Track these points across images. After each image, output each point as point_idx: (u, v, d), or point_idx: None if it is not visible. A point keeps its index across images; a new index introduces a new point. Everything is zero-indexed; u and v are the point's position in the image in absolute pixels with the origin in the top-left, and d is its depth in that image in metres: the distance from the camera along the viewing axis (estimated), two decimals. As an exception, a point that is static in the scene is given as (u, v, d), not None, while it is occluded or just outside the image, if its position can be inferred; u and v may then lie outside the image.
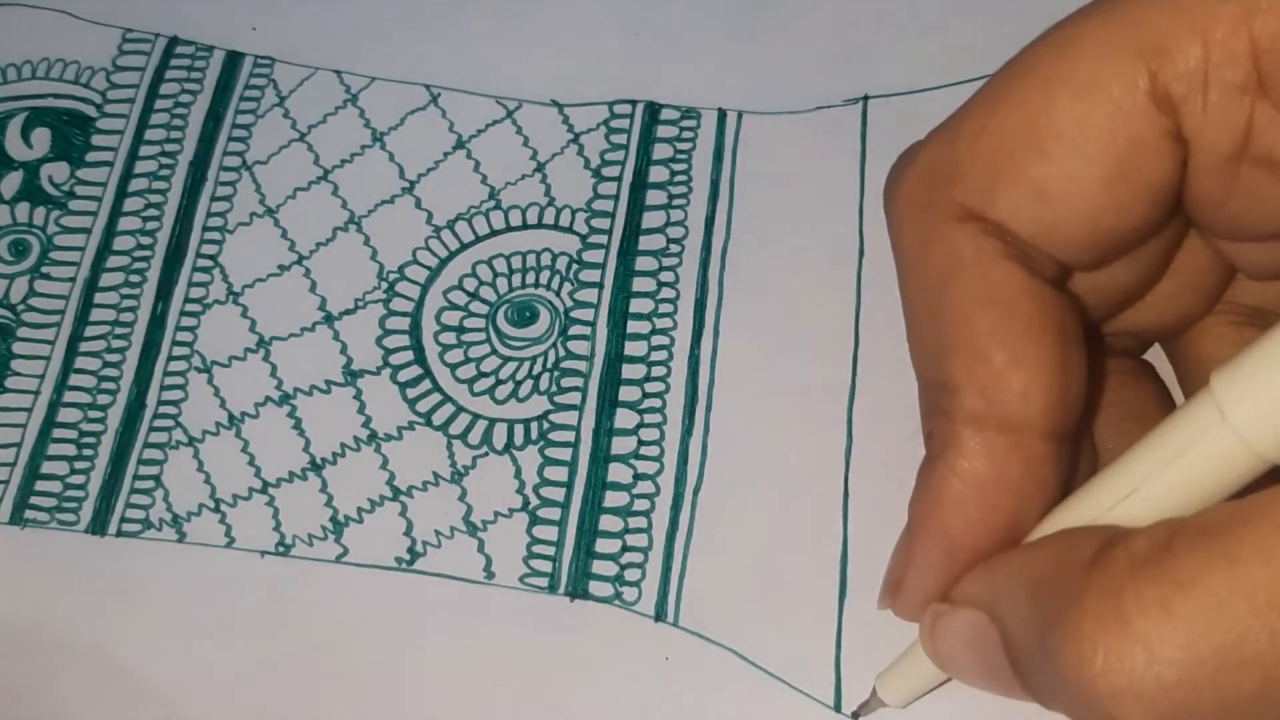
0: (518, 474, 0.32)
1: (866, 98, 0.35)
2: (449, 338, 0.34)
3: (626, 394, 0.33)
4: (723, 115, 0.36)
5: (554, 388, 0.33)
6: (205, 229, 0.35)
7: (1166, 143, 0.23)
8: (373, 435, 0.33)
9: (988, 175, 0.24)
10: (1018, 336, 0.24)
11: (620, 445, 0.32)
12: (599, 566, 0.31)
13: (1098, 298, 0.27)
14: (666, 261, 0.34)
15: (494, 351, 0.34)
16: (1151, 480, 0.23)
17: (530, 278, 0.34)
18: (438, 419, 0.33)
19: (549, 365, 0.33)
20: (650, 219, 0.35)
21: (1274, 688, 0.20)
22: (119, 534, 0.32)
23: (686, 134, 0.36)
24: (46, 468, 0.33)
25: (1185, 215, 0.25)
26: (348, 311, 0.34)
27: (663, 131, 0.36)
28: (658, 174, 0.35)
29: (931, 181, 0.24)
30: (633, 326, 0.33)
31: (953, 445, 0.24)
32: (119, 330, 0.34)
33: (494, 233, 0.35)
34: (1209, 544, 0.20)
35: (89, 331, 0.34)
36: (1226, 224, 0.24)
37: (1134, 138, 0.23)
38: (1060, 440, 0.24)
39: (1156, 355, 0.31)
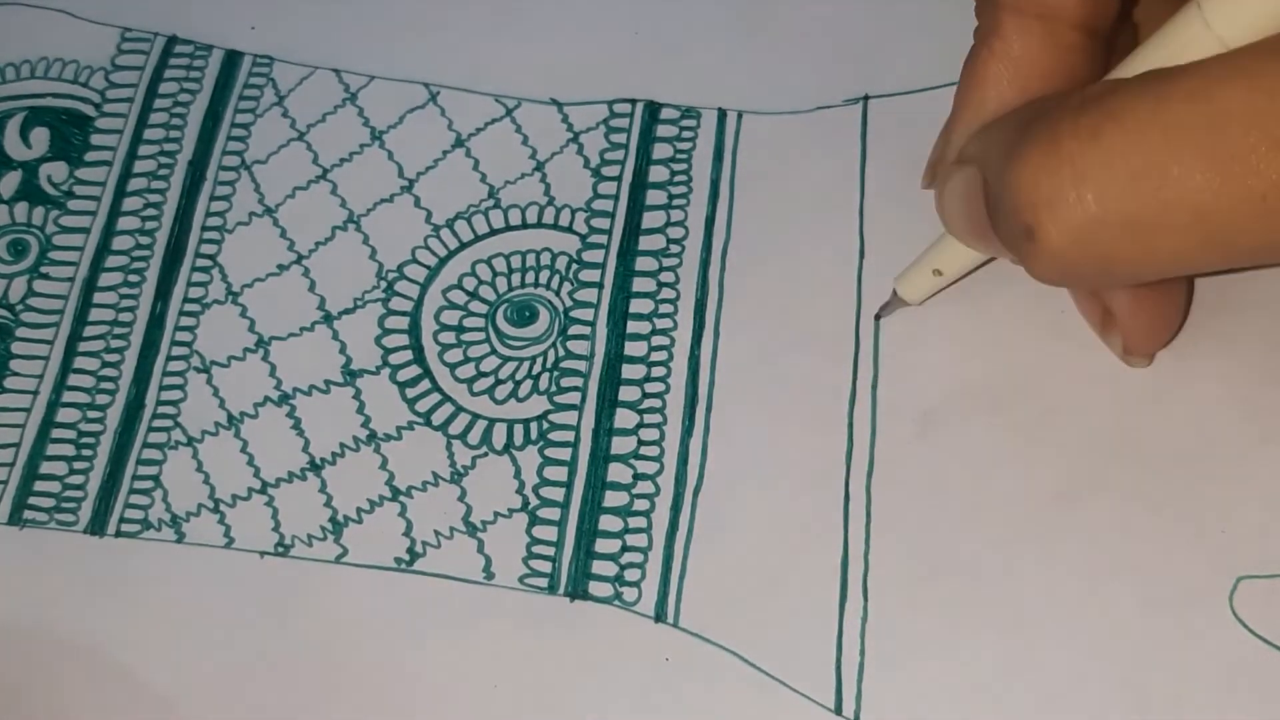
0: (517, 474, 0.32)
1: (866, 98, 0.35)
2: (448, 337, 0.34)
3: (626, 394, 0.33)
4: (723, 115, 0.36)
5: (554, 388, 0.33)
6: (204, 228, 0.35)
7: None
8: (372, 435, 0.33)
9: None
10: None
11: (620, 445, 0.32)
12: (599, 567, 0.31)
13: None
14: (666, 262, 0.34)
15: (493, 351, 0.34)
16: (1138, 67, 0.25)
17: (530, 277, 0.34)
18: (437, 419, 0.33)
19: (549, 365, 0.33)
20: (650, 219, 0.35)
21: (1175, 213, 0.22)
22: (118, 534, 0.32)
23: (686, 134, 0.36)
24: (45, 468, 0.33)
25: None
26: (347, 311, 0.34)
27: (663, 131, 0.36)
28: (658, 174, 0.35)
29: None
30: (633, 326, 0.33)
31: (994, 30, 0.27)
32: (118, 330, 0.34)
33: (493, 232, 0.35)
34: (1147, 86, 0.23)
35: (88, 331, 0.34)
36: None
37: None
38: (1092, 35, 0.27)
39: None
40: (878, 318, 0.32)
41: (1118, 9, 0.27)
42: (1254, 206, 0.22)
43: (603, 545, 0.31)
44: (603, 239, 0.35)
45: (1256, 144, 0.22)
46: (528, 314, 0.34)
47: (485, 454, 0.32)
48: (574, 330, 0.34)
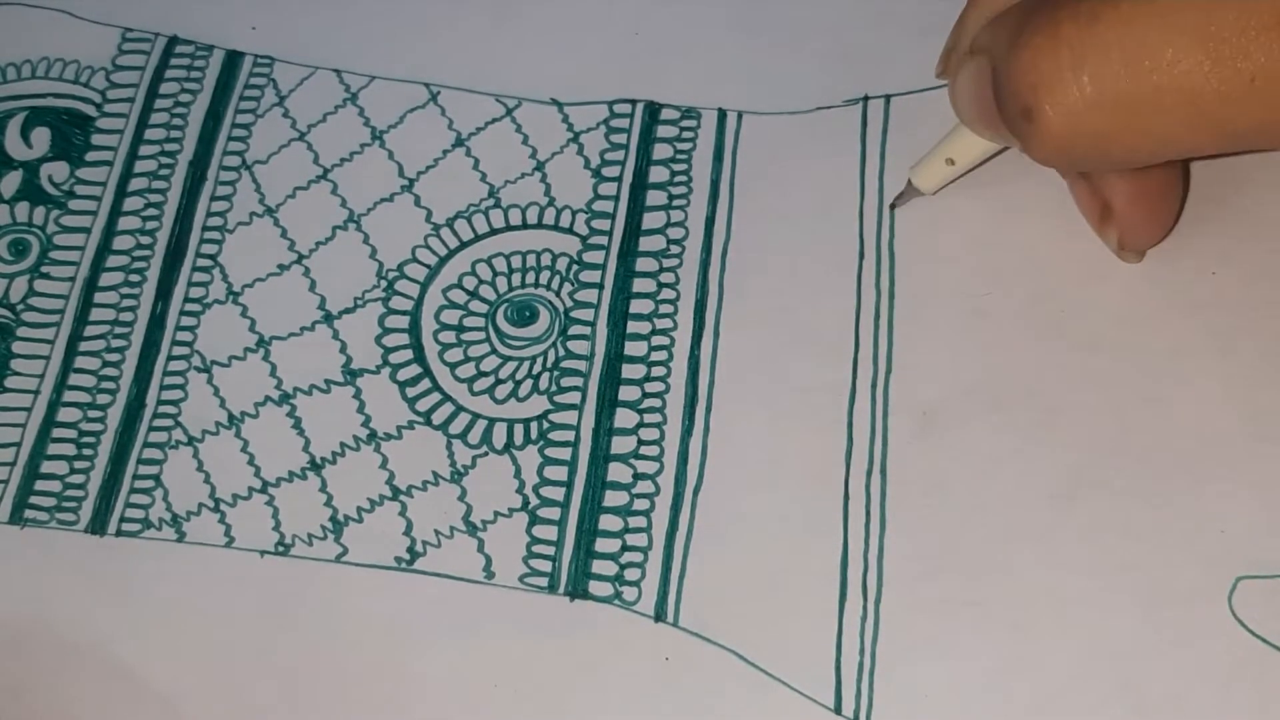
0: (517, 474, 0.32)
1: (866, 98, 0.35)
2: (448, 337, 0.34)
3: (626, 394, 0.33)
4: (723, 115, 0.36)
5: (554, 387, 0.33)
6: (205, 228, 0.35)
7: None
8: (372, 435, 0.33)
9: None
10: None
11: (620, 445, 0.32)
12: (599, 566, 0.31)
13: None
14: (667, 262, 0.34)
15: (494, 351, 0.34)
16: None
17: (530, 277, 0.34)
18: (437, 418, 0.33)
19: (549, 365, 0.33)
20: (650, 219, 0.35)
21: (1165, 95, 0.24)
22: (119, 534, 0.32)
23: (686, 134, 0.36)
24: (46, 467, 0.33)
25: None
26: (347, 310, 0.34)
27: (663, 131, 0.36)
28: (658, 174, 0.35)
29: None
30: (633, 327, 0.33)
31: None
32: (119, 330, 0.34)
33: (493, 231, 0.35)
34: None
35: (89, 331, 0.34)
36: None
37: None
38: None
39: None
40: (893, 207, 0.33)
41: None
42: (1243, 89, 0.23)
43: (603, 545, 0.31)
44: (603, 239, 0.35)
45: (1245, 27, 0.23)
46: (528, 314, 0.34)
47: (485, 453, 0.32)
48: (574, 330, 0.34)
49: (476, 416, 0.33)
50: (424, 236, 0.35)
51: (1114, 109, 0.24)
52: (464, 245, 0.35)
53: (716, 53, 0.37)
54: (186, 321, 0.34)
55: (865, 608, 0.30)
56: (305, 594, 0.31)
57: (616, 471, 0.32)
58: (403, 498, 0.32)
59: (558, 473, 0.32)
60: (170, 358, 0.34)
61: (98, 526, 0.32)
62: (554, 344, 0.33)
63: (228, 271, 0.35)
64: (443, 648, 0.30)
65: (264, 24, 0.38)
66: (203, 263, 0.35)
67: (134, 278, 0.35)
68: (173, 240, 0.35)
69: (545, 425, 0.32)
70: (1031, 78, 0.25)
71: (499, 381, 0.33)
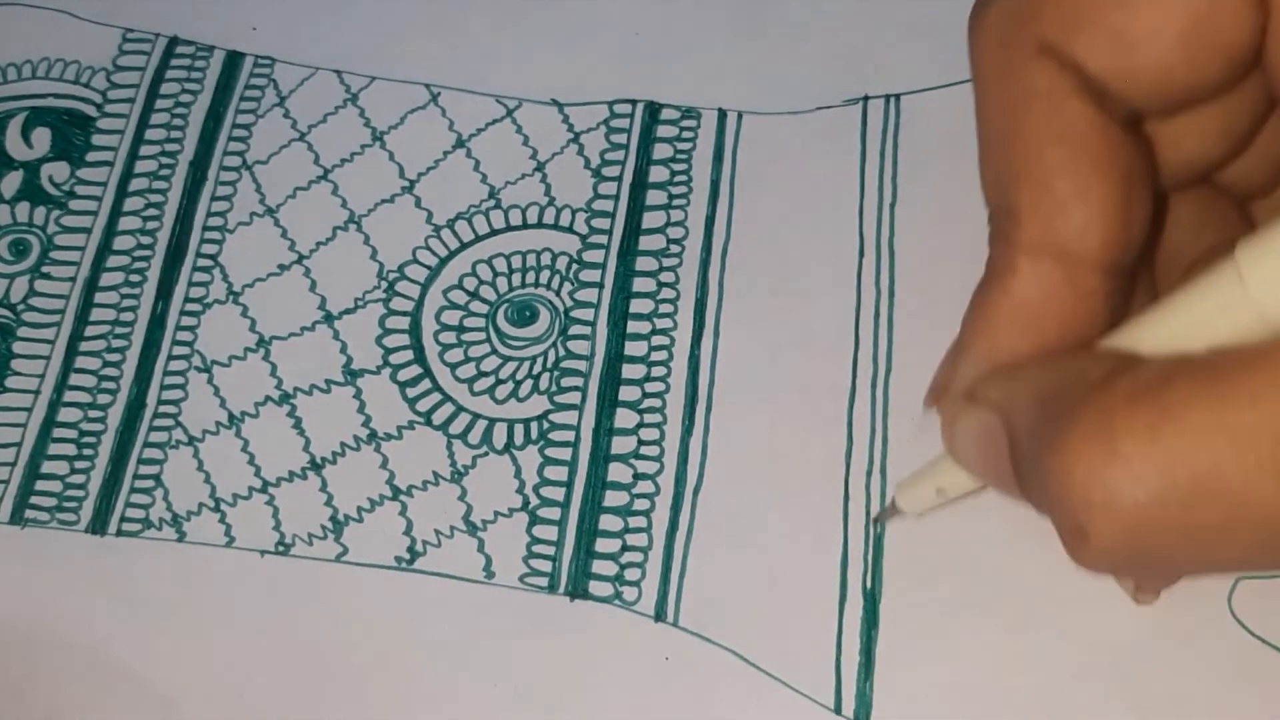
0: (518, 474, 0.32)
1: (866, 98, 0.35)
2: (449, 337, 0.34)
3: (626, 394, 0.33)
4: (723, 115, 0.36)
5: (554, 387, 0.33)
6: (205, 228, 0.36)
7: (1247, 7, 0.23)
8: (373, 435, 0.33)
9: (1070, 15, 0.24)
10: (1083, 170, 0.24)
11: (620, 445, 0.32)
12: (599, 566, 0.31)
13: (1180, 165, 0.27)
14: (667, 262, 0.34)
15: (494, 351, 0.34)
16: (1171, 333, 0.23)
17: (530, 277, 0.34)
18: (438, 418, 0.33)
19: (549, 365, 0.33)
20: (650, 219, 0.35)
21: (1239, 523, 0.21)
22: (119, 533, 0.32)
23: (686, 134, 0.36)
24: (47, 467, 0.33)
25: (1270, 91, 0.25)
26: (348, 311, 0.34)
27: (663, 131, 0.36)
28: (658, 174, 0.35)
29: (1015, 15, 0.25)
30: (633, 326, 0.33)
31: (1008, 269, 0.25)
32: (119, 330, 0.34)
33: (494, 232, 0.35)
34: (1207, 380, 0.21)
35: (89, 331, 0.34)
36: None
37: None
38: (1114, 277, 0.25)
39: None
40: (876, 523, 0.31)
41: (1141, 245, 0.25)
42: None
43: (603, 545, 0.31)
44: (603, 239, 0.35)
45: None
46: (528, 314, 0.34)
47: (486, 453, 0.32)
48: (574, 330, 0.34)
49: (477, 417, 0.33)
50: (424, 238, 0.35)
51: (1179, 535, 0.21)
52: (464, 246, 0.35)
53: (716, 53, 0.37)
54: (187, 321, 0.34)
55: (865, 608, 0.30)
56: (305, 594, 0.31)
57: (617, 471, 0.32)
58: (403, 498, 0.32)
59: (558, 473, 0.32)
60: (170, 358, 0.34)
61: (98, 526, 0.32)
62: (554, 344, 0.33)
63: (228, 271, 0.35)
64: (443, 648, 0.30)
65: (265, 25, 0.38)
66: (203, 263, 0.35)
67: (134, 278, 0.35)
68: (173, 240, 0.35)
69: (545, 425, 0.32)
70: (1085, 495, 0.22)
71: (499, 382, 0.33)
